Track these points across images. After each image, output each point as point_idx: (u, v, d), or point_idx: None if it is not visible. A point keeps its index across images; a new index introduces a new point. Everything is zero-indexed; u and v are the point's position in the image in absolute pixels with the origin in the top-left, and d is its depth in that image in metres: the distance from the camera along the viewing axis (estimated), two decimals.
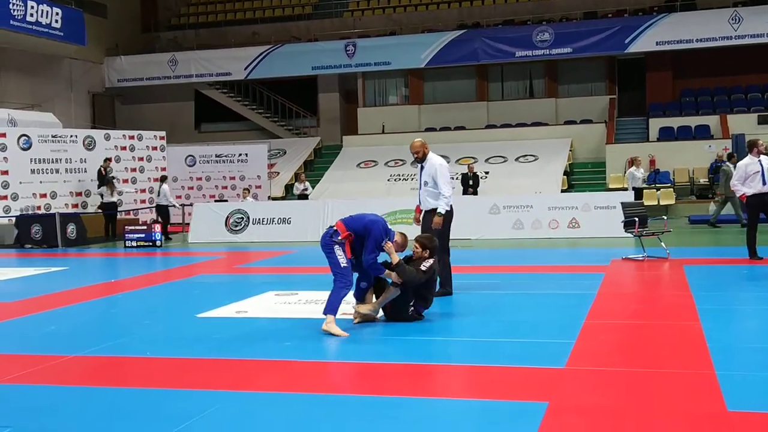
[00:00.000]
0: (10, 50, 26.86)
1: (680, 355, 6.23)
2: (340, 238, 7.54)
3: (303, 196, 23.91)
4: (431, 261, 7.83)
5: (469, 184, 22.61)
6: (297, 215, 18.94)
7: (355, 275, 7.81)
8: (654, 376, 5.61)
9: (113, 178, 21.38)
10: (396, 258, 7.62)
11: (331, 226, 7.74)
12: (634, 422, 4.63)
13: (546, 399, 5.06)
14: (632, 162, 20.84)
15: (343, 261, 7.49)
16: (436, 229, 9.07)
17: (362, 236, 7.64)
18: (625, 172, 25.06)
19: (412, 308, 7.77)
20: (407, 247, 7.97)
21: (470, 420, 4.88)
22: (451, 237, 9.48)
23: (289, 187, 27.47)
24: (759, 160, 11.63)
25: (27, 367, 6.39)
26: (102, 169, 21.52)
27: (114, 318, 9.00)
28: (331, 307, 7.38)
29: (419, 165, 9.46)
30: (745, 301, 8.86)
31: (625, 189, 21.62)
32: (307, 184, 24.76)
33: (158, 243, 17.94)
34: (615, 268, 11.69)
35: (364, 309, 7.78)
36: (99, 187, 21.43)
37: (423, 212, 9.44)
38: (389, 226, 7.91)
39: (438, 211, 9.16)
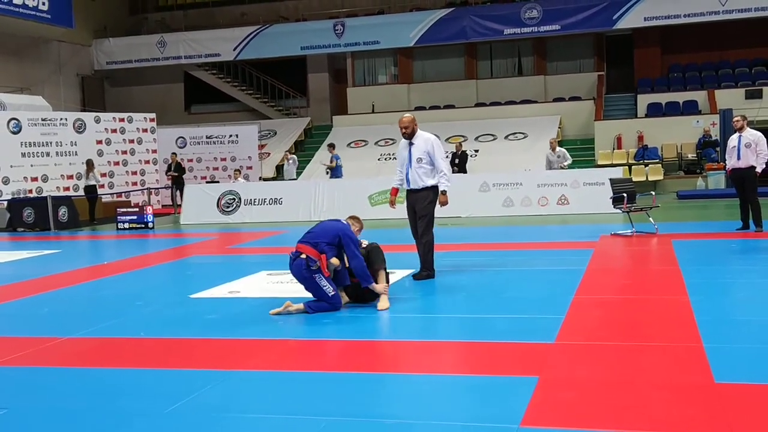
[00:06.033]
0: None
1: (668, 328, 6.30)
2: (317, 265, 7.17)
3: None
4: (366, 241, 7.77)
5: (455, 162, 22.21)
6: (288, 196, 18.97)
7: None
8: (643, 349, 5.69)
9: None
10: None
11: (296, 252, 7.30)
12: (623, 395, 4.70)
13: (536, 373, 5.12)
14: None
15: (330, 289, 7.25)
16: (429, 209, 8.84)
17: (335, 245, 7.31)
18: (613, 150, 25.17)
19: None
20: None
21: (461, 395, 4.95)
22: (441, 215, 9.45)
23: (279, 168, 27.39)
24: (739, 136, 12.15)
25: (22, 349, 6.43)
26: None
27: (107, 299, 9.01)
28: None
29: (408, 142, 8.94)
30: (732, 274, 8.94)
31: (614, 165, 21.70)
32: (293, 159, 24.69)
33: (150, 225, 17.96)
34: (604, 243, 11.77)
35: (294, 308, 7.39)
36: (166, 172, 23.14)
37: (410, 192, 8.98)
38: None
39: (442, 189, 8.84)
